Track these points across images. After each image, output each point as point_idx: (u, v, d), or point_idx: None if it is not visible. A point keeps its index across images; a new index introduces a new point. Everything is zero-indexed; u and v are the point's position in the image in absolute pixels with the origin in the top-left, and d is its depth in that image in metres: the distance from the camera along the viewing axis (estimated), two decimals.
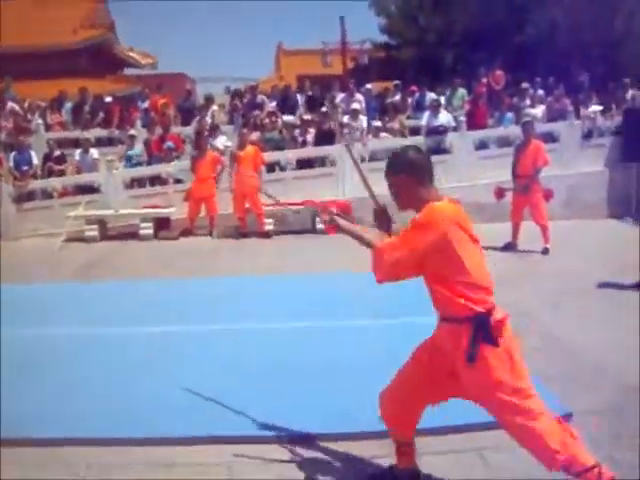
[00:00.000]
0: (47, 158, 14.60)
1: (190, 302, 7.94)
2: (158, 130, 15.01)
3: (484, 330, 3.09)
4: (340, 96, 16.36)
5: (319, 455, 4.14)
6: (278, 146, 14.61)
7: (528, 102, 15.74)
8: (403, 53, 27.56)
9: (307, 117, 15.50)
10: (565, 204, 13.18)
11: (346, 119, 14.57)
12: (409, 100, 16.53)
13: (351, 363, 5.56)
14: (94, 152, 14.61)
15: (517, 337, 3.26)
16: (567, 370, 5.39)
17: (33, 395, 5.11)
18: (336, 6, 32.95)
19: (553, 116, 15.27)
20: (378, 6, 29.29)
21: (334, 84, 17.31)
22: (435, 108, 14.72)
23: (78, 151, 14.61)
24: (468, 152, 14.42)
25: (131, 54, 32.97)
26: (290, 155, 14.53)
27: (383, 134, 14.70)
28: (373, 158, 13.83)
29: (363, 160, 13.54)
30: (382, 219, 3.48)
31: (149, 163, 14.65)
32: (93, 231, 13.11)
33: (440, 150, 14.26)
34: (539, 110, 15.34)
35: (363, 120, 14.63)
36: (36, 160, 14.26)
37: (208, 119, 15.71)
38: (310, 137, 14.83)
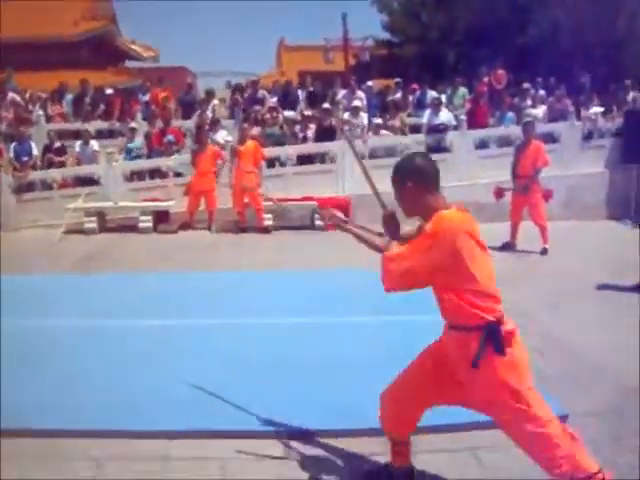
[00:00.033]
0: (47, 149, 14.59)
1: (189, 296, 7.95)
2: (159, 123, 14.99)
3: (493, 339, 3.07)
4: (341, 93, 16.38)
5: (317, 451, 4.15)
6: (278, 141, 14.61)
7: (529, 102, 15.76)
8: (405, 50, 27.53)
9: (308, 113, 15.49)
10: (565, 205, 13.20)
11: (347, 116, 14.58)
12: (410, 98, 16.55)
13: (350, 359, 5.57)
14: (94, 144, 14.62)
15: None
16: (566, 371, 5.41)
17: (32, 386, 5.11)
18: (339, 2, 32.73)
19: (554, 117, 15.28)
20: (381, 3, 29.26)
21: (335, 81, 17.28)
22: (436, 106, 14.74)
23: (78, 143, 14.61)
24: (468, 151, 14.43)
25: (133, 47, 32.89)
26: (290, 151, 14.52)
27: (383, 131, 14.71)
28: (373, 155, 13.84)
29: (363, 157, 13.52)
30: (390, 224, 3.41)
31: (149, 156, 14.64)
32: (92, 223, 13.12)
33: (440, 149, 14.30)
34: (540, 110, 15.35)
35: (364, 117, 14.63)
36: (36, 151, 14.26)
37: (209, 113, 15.70)
38: (311, 133, 14.82)
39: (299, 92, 17.05)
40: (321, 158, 14.60)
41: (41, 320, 6.83)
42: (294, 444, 4.23)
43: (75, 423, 4.45)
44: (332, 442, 4.22)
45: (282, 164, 14.55)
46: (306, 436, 4.30)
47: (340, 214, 3.94)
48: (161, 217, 13.50)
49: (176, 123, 15.85)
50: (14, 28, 24.63)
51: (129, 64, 34.56)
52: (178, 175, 14.30)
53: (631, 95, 16.02)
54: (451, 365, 3.30)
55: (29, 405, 4.71)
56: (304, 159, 14.51)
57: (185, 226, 13.28)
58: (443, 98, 15.81)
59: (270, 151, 14.08)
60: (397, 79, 17.83)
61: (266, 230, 12.88)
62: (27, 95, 17.12)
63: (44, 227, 13.14)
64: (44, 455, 4.12)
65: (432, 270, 3.11)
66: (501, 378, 3.09)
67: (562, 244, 10.55)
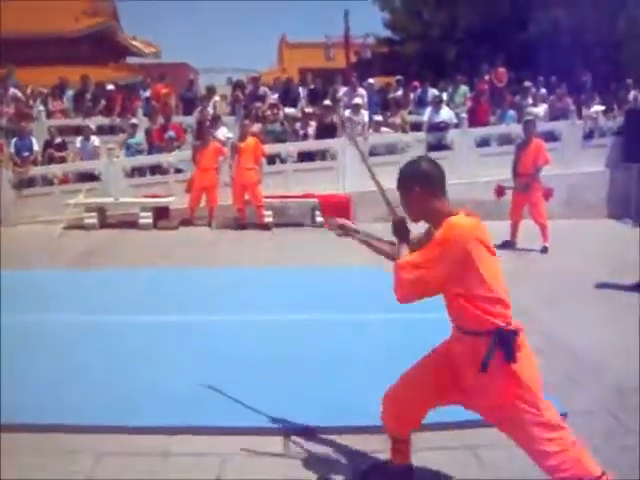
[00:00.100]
0: (48, 145, 14.59)
1: (189, 292, 7.95)
2: (160, 119, 14.98)
3: (504, 344, 3.06)
4: (342, 90, 16.35)
5: (317, 448, 4.15)
6: (279, 138, 14.61)
7: (530, 100, 15.76)
8: (406, 48, 27.48)
9: (309, 110, 15.49)
10: (565, 203, 13.21)
11: (348, 113, 14.57)
12: (411, 95, 16.52)
13: (350, 356, 5.57)
14: (95, 140, 14.63)
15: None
16: (565, 370, 5.40)
17: (32, 381, 5.11)
18: (340, 1, 32.74)
19: (555, 115, 15.30)
20: (382, 1, 29.22)
21: (336, 78, 17.27)
22: (437, 104, 14.76)
23: (79, 139, 14.63)
24: (469, 149, 14.45)
25: (134, 43, 32.82)
26: (291, 148, 14.52)
27: (384, 129, 14.71)
28: (373, 153, 13.83)
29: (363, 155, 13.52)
30: (401, 230, 3.37)
31: (150, 152, 14.63)
32: (93, 219, 13.12)
33: (441, 146, 14.33)
34: (541, 109, 15.36)
35: (365, 114, 14.63)
36: (37, 147, 14.28)
37: (210, 110, 15.68)
38: (311, 130, 14.83)
39: (300, 89, 17.04)
40: (322, 155, 14.61)
41: (41, 315, 6.83)
42: (294, 441, 4.23)
43: (74, 418, 4.45)
44: (332, 439, 4.22)
45: (283, 161, 14.54)
46: (306, 433, 4.30)
47: (349, 223, 3.91)
48: (161, 213, 13.49)
49: (177, 119, 15.84)
50: (15, 24, 24.58)
51: (130, 60, 34.51)
52: (179, 171, 14.31)
53: (632, 94, 16.03)
54: (458, 369, 3.29)
55: (28, 400, 4.71)
56: (305, 156, 14.52)
57: (186, 222, 13.27)
58: (444, 96, 15.81)
59: (271, 148, 14.08)
60: (398, 77, 17.83)
61: (266, 227, 12.88)
62: (28, 91, 17.08)
63: (44, 222, 13.14)
64: (43, 450, 4.12)
65: (444, 278, 3.09)
66: (511, 383, 3.08)
67: (562, 243, 10.55)
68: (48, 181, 14.27)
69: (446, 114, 14.66)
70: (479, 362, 3.10)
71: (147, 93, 17.29)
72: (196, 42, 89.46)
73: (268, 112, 15.19)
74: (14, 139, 14.20)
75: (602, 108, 15.24)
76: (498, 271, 3.20)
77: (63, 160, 14.62)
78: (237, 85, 17.80)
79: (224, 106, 17.03)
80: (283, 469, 3.93)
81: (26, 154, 13.99)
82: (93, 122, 15.63)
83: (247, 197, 12.96)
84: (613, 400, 4.81)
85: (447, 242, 3.06)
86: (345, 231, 3.79)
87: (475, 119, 15.02)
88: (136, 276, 8.88)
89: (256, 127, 14.37)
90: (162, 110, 15.31)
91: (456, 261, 3.05)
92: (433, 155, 13.15)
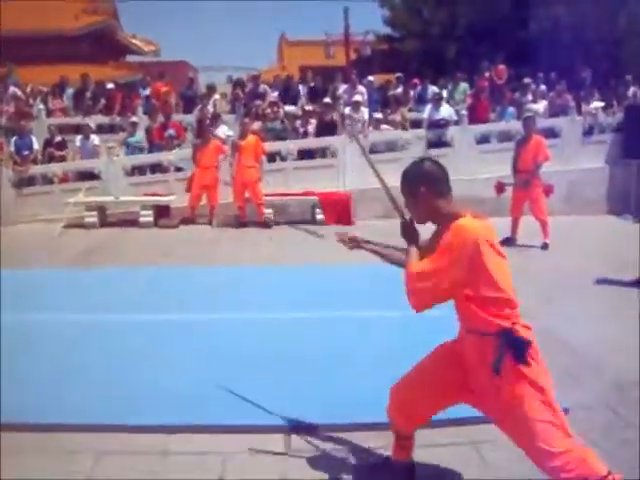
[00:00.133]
0: (48, 144, 14.57)
1: (190, 291, 7.95)
2: (160, 118, 14.96)
3: (514, 345, 3.06)
4: (342, 87, 16.32)
5: (317, 445, 4.15)
6: (279, 136, 14.60)
7: (530, 97, 15.74)
8: (406, 45, 27.46)
9: (309, 108, 15.47)
10: (565, 200, 13.21)
11: (348, 111, 14.56)
12: (411, 93, 16.49)
13: (351, 354, 5.58)
14: (95, 138, 14.60)
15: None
16: (565, 365, 5.39)
17: (32, 381, 5.12)
18: None
19: (555, 112, 15.28)
20: None
21: (336, 75, 17.22)
22: (437, 101, 14.74)
23: (79, 137, 14.59)
24: (469, 146, 14.44)
25: (134, 41, 32.83)
26: (291, 145, 14.51)
27: (384, 126, 14.69)
28: (373, 150, 13.82)
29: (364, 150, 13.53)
30: (409, 232, 3.37)
31: (150, 151, 14.62)
32: (93, 217, 13.12)
33: (441, 143, 14.32)
34: (541, 105, 15.33)
35: (365, 112, 14.60)
36: (37, 145, 14.26)
37: (210, 108, 15.66)
38: (311, 128, 14.82)
39: (300, 87, 17.00)
40: (322, 153, 14.59)
41: (41, 314, 6.83)
42: (295, 439, 4.24)
43: (75, 417, 4.45)
44: (334, 436, 4.23)
45: (283, 159, 14.52)
46: (308, 430, 4.30)
47: (359, 235, 3.91)
48: (162, 212, 13.48)
49: (177, 117, 15.83)
50: (15, 22, 24.57)
51: (130, 58, 34.53)
52: (179, 170, 14.28)
53: (632, 90, 16.02)
54: (467, 370, 3.29)
55: (29, 399, 4.72)
56: (305, 154, 14.50)
57: (186, 221, 13.27)
58: (444, 93, 15.80)
59: (271, 146, 14.07)
60: (398, 74, 17.79)
61: (266, 225, 12.87)
62: (28, 89, 17.09)
63: (44, 221, 13.13)
64: (44, 449, 4.12)
65: (457, 282, 3.09)
66: (523, 384, 3.08)
67: (562, 239, 10.55)
68: (48, 180, 14.25)
69: (446, 111, 14.65)
70: (488, 363, 3.10)
71: (147, 91, 17.25)
72: (196, 40, 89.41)
73: (268, 110, 15.17)
74: (14, 138, 14.18)
75: (602, 104, 15.23)
76: (507, 273, 3.19)
77: (63, 159, 14.60)
78: (237, 83, 17.79)
79: (224, 104, 17.03)
80: (284, 467, 3.93)
81: (26, 153, 13.97)
82: (93, 121, 15.61)
83: (247, 195, 12.95)
84: (613, 395, 4.81)
85: (458, 247, 3.06)
86: (356, 243, 3.79)
87: (475, 116, 15.00)
88: (136, 275, 8.89)
89: (256, 125, 14.34)
90: (162, 108, 15.30)
91: (468, 265, 3.05)
92: (433, 152, 13.19)
